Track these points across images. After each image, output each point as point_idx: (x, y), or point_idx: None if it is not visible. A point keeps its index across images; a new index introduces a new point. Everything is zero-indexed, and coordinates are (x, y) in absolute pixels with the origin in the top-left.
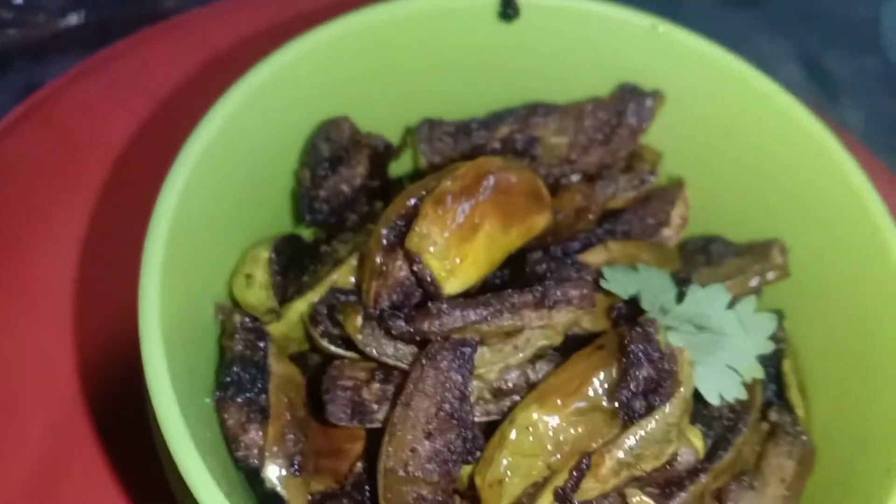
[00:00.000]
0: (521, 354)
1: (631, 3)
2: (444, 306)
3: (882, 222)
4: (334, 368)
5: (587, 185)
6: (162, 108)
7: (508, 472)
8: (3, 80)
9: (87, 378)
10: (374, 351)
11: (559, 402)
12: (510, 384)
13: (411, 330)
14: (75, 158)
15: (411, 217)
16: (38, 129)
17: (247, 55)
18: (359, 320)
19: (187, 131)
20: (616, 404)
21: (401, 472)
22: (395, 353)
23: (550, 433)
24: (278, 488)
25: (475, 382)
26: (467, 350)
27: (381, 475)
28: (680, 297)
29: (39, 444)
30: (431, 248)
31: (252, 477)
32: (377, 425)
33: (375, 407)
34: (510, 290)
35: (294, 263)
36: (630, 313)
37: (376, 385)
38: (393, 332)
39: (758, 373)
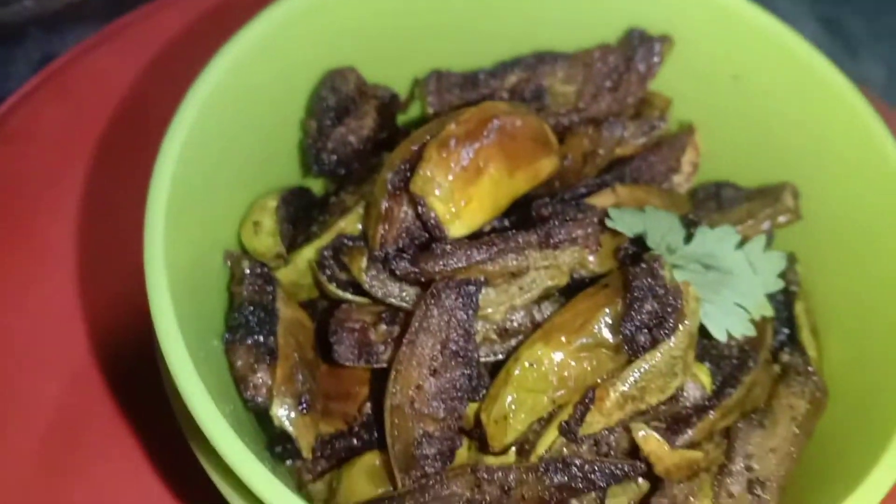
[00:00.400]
0: (526, 295)
1: None
2: (448, 247)
3: None
4: (341, 311)
5: (594, 129)
6: (175, 76)
7: (513, 408)
8: (20, 50)
9: (102, 335)
10: (380, 292)
11: (563, 338)
12: (516, 324)
13: (416, 270)
14: (89, 125)
15: (416, 162)
16: (54, 98)
17: None
18: (363, 262)
19: None
20: (620, 339)
21: (407, 410)
22: (401, 294)
23: (555, 369)
24: (287, 426)
25: (481, 323)
26: (472, 289)
27: (388, 412)
28: (688, 239)
29: (56, 400)
30: (436, 191)
31: (262, 417)
32: (384, 365)
33: (382, 348)
34: (514, 231)
35: (303, 214)
36: (636, 254)
37: (383, 327)
38: (397, 272)
39: (766, 310)
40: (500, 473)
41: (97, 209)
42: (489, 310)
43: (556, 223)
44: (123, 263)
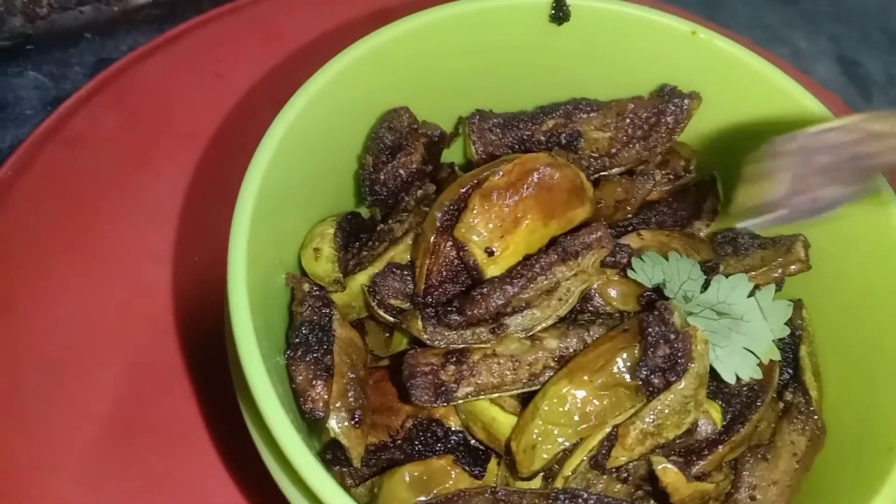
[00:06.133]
0: (567, 303)
1: (673, 1)
2: (485, 289)
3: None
4: (411, 357)
5: (628, 180)
6: (226, 86)
7: (539, 439)
8: (75, 53)
9: (158, 336)
10: (443, 343)
11: (586, 377)
12: (571, 350)
13: (466, 319)
14: (144, 131)
15: (462, 203)
16: (111, 103)
17: (304, 38)
18: (419, 323)
19: (251, 110)
20: (638, 381)
21: None
22: (459, 339)
23: (578, 404)
24: (340, 438)
25: (540, 353)
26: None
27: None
28: (705, 286)
29: (115, 388)
30: (476, 238)
31: (316, 428)
32: (459, 402)
33: (455, 386)
34: (535, 257)
35: (354, 239)
36: (657, 300)
37: (451, 367)
38: (451, 326)
39: (774, 355)
40: (515, 497)
41: (155, 212)
42: (539, 327)
43: (568, 237)
44: (180, 267)
